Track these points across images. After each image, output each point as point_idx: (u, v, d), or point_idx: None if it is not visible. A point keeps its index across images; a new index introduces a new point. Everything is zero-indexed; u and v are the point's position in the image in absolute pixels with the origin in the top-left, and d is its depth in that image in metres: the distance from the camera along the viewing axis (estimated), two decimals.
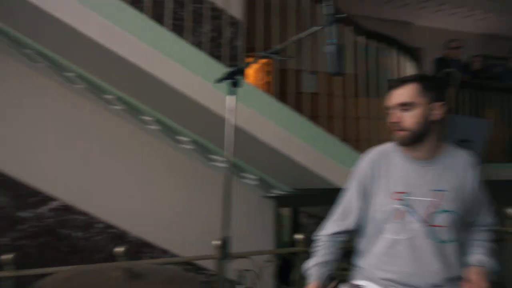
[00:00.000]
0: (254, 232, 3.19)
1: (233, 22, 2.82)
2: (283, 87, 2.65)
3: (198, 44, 2.45)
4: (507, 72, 4.69)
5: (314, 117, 2.50)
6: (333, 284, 1.34)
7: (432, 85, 1.29)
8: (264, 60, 4.05)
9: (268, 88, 4.38)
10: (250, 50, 2.73)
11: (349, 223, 1.38)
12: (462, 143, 3.36)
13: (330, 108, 2.59)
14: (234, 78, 1.51)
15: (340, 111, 2.64)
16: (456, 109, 3.83)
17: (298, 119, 2.33)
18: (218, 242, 1.67)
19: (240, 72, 1.51)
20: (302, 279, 1.58)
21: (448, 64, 4.11)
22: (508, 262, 1.75)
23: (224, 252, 1.55)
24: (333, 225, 1.39)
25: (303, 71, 3.02)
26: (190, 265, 2.90)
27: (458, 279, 1.25)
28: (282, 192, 3.03)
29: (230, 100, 1.47)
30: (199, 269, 2.94)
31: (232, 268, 2.11)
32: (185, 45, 2.11)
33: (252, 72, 4.44)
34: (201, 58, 2.15)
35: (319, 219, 1.46)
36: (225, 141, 1.47)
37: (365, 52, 2.61)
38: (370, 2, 5.10)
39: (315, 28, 1.26)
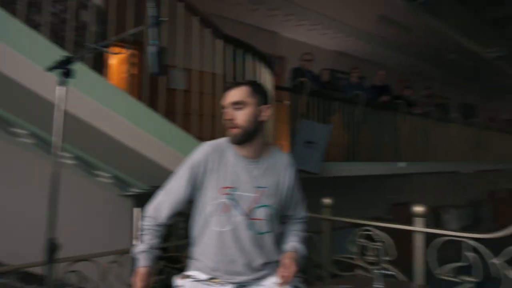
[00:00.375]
0: (111, 232, 3.01)
1: (88, 5, 2.59)
2: (153, 83, 2.54)
3: (43, 26, 2.17)
4: (350, 85, 5.54)
5: (170, 114, 2.49)
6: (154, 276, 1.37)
7: (260, 89, 1.43)
8: (129, 51, 3.86)
9: (133, 80, 4.18)
10: (106, 38, 2.55)
11: (173, 210, 1.42)
12: (309, 144, 3.85)
13: (187, 105, 2.61)
14: (66, 67, 1.40)
15: (197, 109, 2.69)
16: (307, 115, 4.35)
17: (152, 115, 2.28)
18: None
19: (72, 61, 1.40)
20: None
21: (303, 74, 4.64)
22: (324, 248, 2.07)
23: (50, 256, 1.41)
24: (158, 210, 1.41)
25: (174, 67, 2.97)
26: (27, 275, 2.56)
27: (275, 263, 1.43)
28: (140, 190, 2.94)
29: (60, 91, 1.35)
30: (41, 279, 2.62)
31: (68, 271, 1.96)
32: (17, 25, 1.84)
33: (116, 63, 4.18)
34: (39, 41, 1.91)
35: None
36: (53, 133, 1.34)
37: (223, 55, 2.72)
38: (241, 7, 5.36)
39: (139, 28, 1.26)
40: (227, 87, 1.44)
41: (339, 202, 6.83)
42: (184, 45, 2.57)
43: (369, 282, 1.35)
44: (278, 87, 4.13)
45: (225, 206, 1.36)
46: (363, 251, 1.87)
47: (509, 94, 12.55)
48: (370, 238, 1.86)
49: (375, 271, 1.15)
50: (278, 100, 4.53)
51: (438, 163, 7.04)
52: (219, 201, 1.36)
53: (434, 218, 10.46)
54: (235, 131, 1.37)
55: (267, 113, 1.41)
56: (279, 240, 1.48)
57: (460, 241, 1.53)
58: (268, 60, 3.16)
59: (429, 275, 1.60)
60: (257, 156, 1.42)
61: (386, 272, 1.16)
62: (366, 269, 1.88)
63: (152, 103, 2.42)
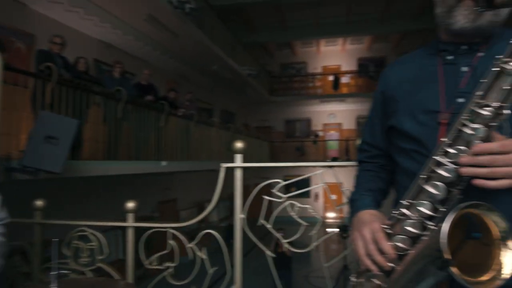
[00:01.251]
0: None
1: None
2: None
3: None
4: (112, 80, 5.28)
5: None
6: None
7: None
8: None
9: None
10: None
11: None
12: (50, 139, 3.37)
13: None
14: None
15: None
16: (52, 106, 3.81)
17: None
18: None
19: None
20: None
21: (52, 59, 4.05)
22: (35, 255, 1.81)
23: None
24: None
25: None
26: None
27: None
28: None
29: None
30: None
31: None
32: None
33: None
34: None
35: None
36: None
37: None
38: None
39: None
40: None
41: (97, 203, 6.41)
42: None
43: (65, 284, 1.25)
44: (12, 69, 3.42)
45: None
46: (79, 253, 1.75)
47: (258, 106, 15.46)
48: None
49: (51, 272, 1.05)
50: (14, 84, 3.78)
51: (200, 162, 7.75)
52: None
53: (198, 212, 11.56)
54: None
55: None
56: None
57: (166, 231, 1.65)
58: None
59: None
60: None
61: (62, 272, 1.08)
62: (82, 272, 1.77)
63: None
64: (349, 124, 15.75)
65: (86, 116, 4.53)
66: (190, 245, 1.62)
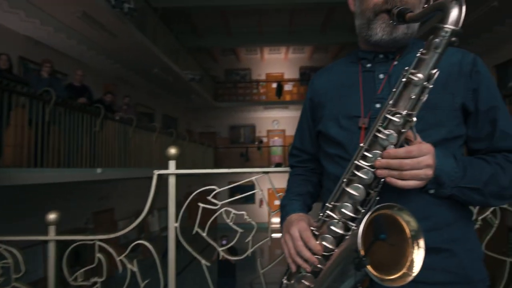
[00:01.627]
0: None
1: None
2: None
3: None
4: (40, 80, 4.86)
5: None
6: None
7: None
8: None
9: None
10: None
11: None
12: None
13: None
14: None
15: None
16: None
17: None
18: None
19: None
20: None
21: None
22: None
23: None
24: None
25: None
26: None
27: None
28: None
29: None
30: None
31: None
32: None
33: None
34: None
35: None
36: None
37: None
38: None
39: None
40: None
41: (22, 216, 5.78)
42: None
43: None
44: None
45: None
46: None
47: (202, 111, 15.28)
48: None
49: None
50: None
51: (139, 169, 7.41)
52: None
53: (139, 222, 11.02)
54: None
55: None
56: None
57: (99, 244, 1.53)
58: None
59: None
60: None
61: None
62: None
63: None
64: (292, 130, 16.17)
65: (8, 119, 4.12)
66: (119, 258, 1.52)
